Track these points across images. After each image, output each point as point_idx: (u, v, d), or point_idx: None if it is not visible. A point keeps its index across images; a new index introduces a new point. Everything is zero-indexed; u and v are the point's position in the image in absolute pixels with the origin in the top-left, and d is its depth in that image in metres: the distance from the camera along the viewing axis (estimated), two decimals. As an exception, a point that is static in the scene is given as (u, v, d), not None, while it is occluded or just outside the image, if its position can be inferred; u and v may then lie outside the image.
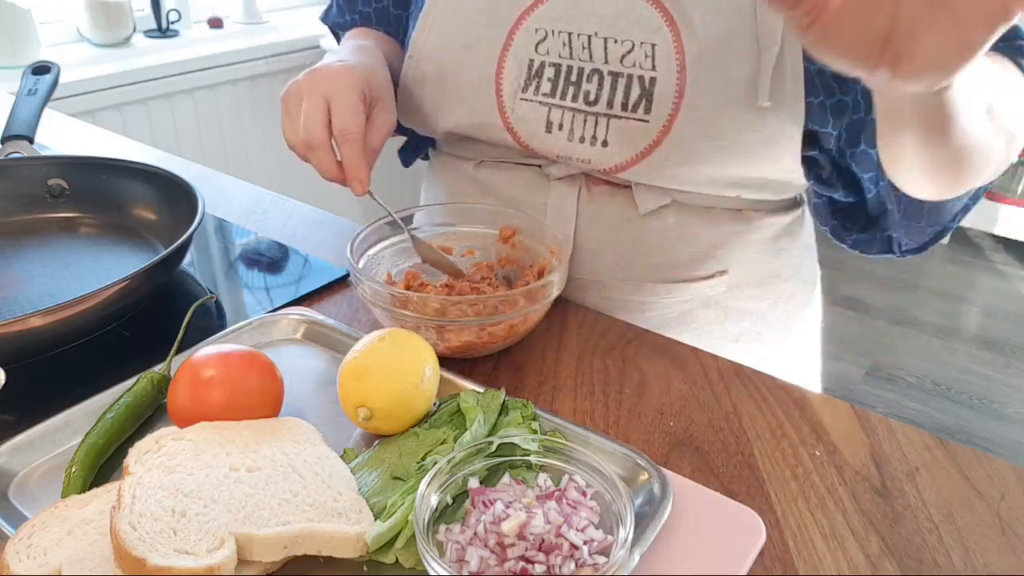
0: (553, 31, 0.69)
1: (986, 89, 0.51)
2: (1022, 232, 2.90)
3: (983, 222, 2.94)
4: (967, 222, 2.97)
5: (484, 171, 0.80)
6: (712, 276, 0.76)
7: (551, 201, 0.75)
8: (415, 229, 0.74)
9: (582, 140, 0.70)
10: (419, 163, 0.93)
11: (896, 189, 0.64)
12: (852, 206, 0.74)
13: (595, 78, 0.68)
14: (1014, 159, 0.61)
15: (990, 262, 2.94)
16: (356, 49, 0.74)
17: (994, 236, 3.03)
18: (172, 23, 2.26)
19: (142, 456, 0.47)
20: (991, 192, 2.92)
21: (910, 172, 0.59)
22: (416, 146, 0.90)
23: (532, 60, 0.70)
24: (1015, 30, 0.61)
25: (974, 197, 0.67)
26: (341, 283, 0.77)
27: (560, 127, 0.71)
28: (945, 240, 3.02)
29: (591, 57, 0.68)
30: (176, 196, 0.78)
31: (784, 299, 0.82)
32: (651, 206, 0.72)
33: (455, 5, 0.73)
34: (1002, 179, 2.93)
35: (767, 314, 0.81)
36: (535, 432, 0.53)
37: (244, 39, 2.25)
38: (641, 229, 0.73)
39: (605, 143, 0.69)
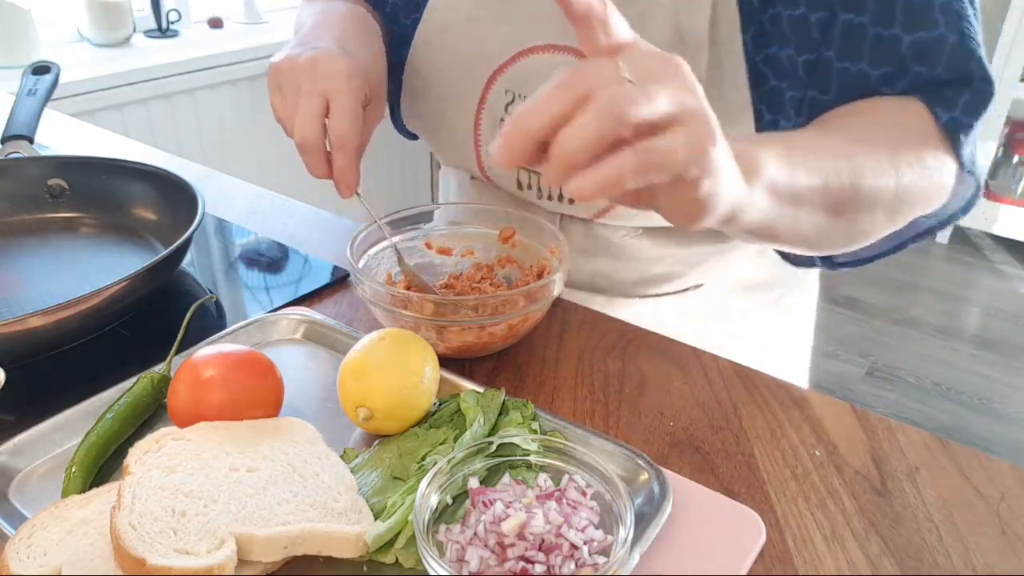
0: (519, 94, 0.71)
1: (838, 184, 0.53)
2: (1022, 232, 2.89)
3: (983, 222, 2.94)
4: (967, 222, 2.97)
5: (478, 183, 0.83)
6: (686, 290, 0.77)
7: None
8: (415, 229, 0.74)
9: (550, 198, 0.73)
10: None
11: None
12: None
13: None
14: (927, 209, 0.60)
15: (990, 262, 2.94)
16: (356, 29, 0.70)
17: (994, 236, 3.03)
18: (172, 23, 2.26)
19: (142, 456, 0.47)
20: (991, 192, 2.92)
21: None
22: None
23: (503, 120, 0.72)
24: (961, 71, 0.58)
25: (943, 221, 0.65)
26: (341, 283, 0.77)
27: (529, 186, 0.74)
28: (944, 240, 3.02)
29: None
30: (176, 196, 0.78)
31: (767, 305, 0.82)
32: (624, 235, 0.74)
33: (436, 59, 0.75)
34: (1002, 179, 2.93)
35: (748, 319, 0.81)
36: (535, 432, 0.53)
37: (244, 39, 2.25)
38: (615, 249, 0.75)
39: (572, 200, 0.72)
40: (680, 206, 0.42)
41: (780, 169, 0.48)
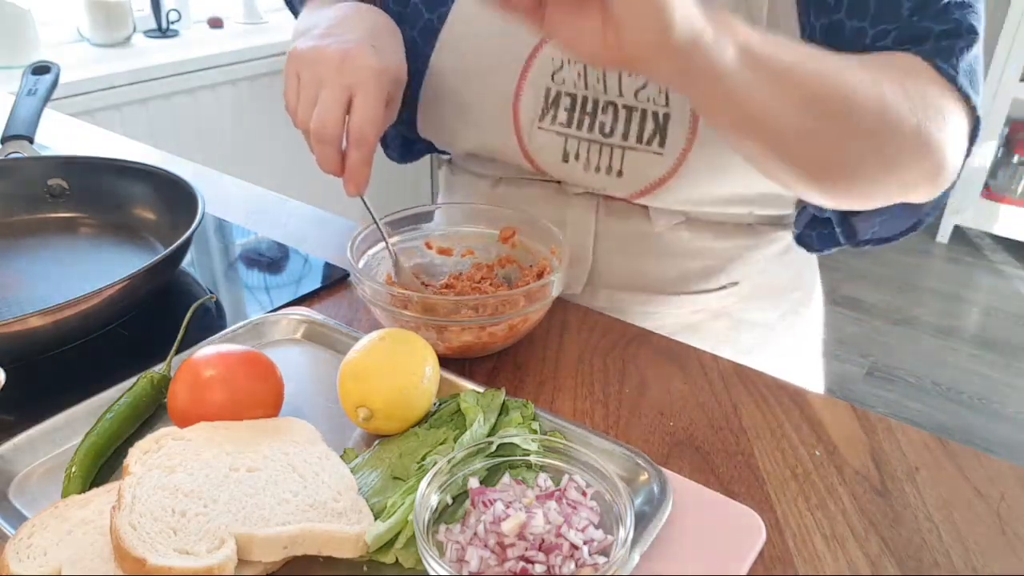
0: (568, 61, 0.68)
1: (836, 95, 0.51)
2: (1022, 232, 2.89)
3: (983, 222, 2.94)
4: (967, 222, 2.97)
5: (502, 188, 0.80)
6: (723, 288, 0.76)
7: (570, 217, 0.75)
8: (415, 229, 0.74)
9: (598, 170, 0.70)
10: (420, 164, 0.93)
11: None
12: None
13: (610, 110, 0.68)
14: (924, 153, 0.56)
15: (990, 262, 2.94)
16: (384, 30, 0.68)
17: (994, 236, 3.03)
18: (172, 23, 2.26)
19: (142, 456, 0.47)
20: (991, 192, 2.91)
21: (779, 176, 0.58)
22: (414, 146, 0.88)
23: (549, 89, 0.70)
24: (947, 27, 0.57)
25: (948, 192, 0.63)
26: (341, 283, 0.77)
27: (576, 157, 0.71)
28: (944, 240, 3.02)
29: (606, 89, 0.68)
30: (176, 196, 0.78)
31: (792, 310, 0.82)
32: (665, 224, 0.73)
33: (472, 29, 0.72)
34: (1002, 179, 2.93)
35: (776, 325, 0.81)
36: (535, 432, 0.53)
37: (244, 39, 2.25)
38: (655, 244, 0.74)
39: (620, 173, 0.69)
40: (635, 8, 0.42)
41: (757, 37, 0.48)
